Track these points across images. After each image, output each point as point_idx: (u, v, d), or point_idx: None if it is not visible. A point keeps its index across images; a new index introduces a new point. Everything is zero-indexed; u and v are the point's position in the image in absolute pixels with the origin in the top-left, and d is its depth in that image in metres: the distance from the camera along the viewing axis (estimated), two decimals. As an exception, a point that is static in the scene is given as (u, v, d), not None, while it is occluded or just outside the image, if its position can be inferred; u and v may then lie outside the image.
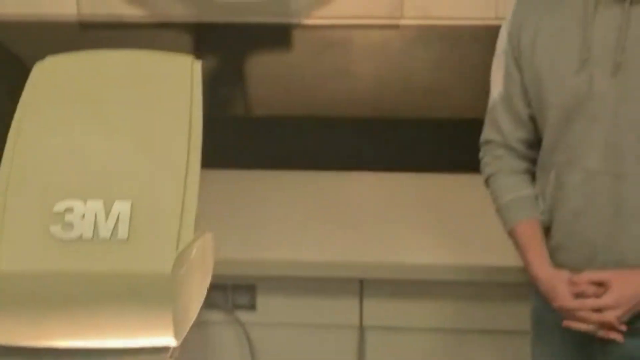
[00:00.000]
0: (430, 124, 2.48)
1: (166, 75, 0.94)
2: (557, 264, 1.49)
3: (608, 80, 1.37)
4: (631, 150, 1.38)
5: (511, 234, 1.56)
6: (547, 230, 1.51)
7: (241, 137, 2.58)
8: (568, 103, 1.42)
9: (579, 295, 1.41)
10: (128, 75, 0.94)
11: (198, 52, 2.54)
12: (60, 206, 0.82)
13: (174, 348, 0.74)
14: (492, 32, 2.39)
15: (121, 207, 0.81)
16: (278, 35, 2.53)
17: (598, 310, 1.38)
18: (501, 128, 1.55)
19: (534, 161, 1.56)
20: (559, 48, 1.43)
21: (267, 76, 2.57)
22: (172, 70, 0.95)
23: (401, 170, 2.45)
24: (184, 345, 0.76)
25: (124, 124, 0.88)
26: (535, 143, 1.54)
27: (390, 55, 2.49)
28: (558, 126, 1.45)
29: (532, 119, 1.53)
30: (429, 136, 2.47)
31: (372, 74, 2.51)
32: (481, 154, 1.63)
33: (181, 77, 0.94)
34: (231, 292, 2.01)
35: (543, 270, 1.48)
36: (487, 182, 1.62)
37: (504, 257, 1.75)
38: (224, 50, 2.58)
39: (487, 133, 1.60)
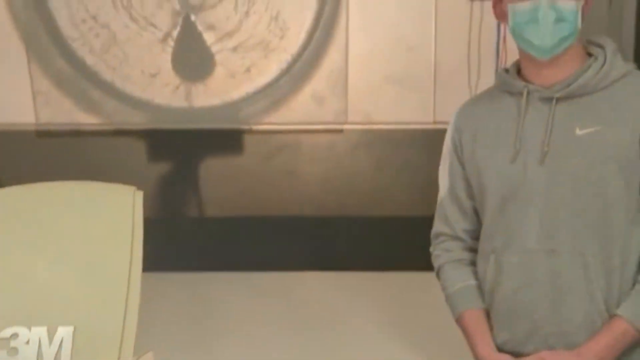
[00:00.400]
0: (374, 222, 2.59)
1: (109, 205, 1.01)
2: (500, 345, 1.58)
3: (538, 167, 1.49)
4: (563, 228, 1.49)
5: (459, 321, 1.66)
6: (488, 314, 1.61)
7: (195, 238, 2.65)
8: (504, 189, 1.52)
9: None
10: (73, 205, 1.00)
11: (152, 157, 2.65)
12: (6, 332, 0.88)
13: None
14: (430, 135, 2.58)
15: (64, 333, 0.88)
16: (230, 140, 2.66)
17: None
18: (449, 220, 1.66)
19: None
20: (497, 143, 1.55)
21: (220, 179, 2.67)
22: (115, 200, 1.02)
23: (351, 269, 2.54)
24: None
25: (68, 252, 0.95)
26: (478, 235, 1.64)
27: (335, 158, 2.62)
28: (496, 212, 1.56)
29: (475, 212, 1.64)
30: (374, 234, 2.58)
31: (319, 176, 2.64)
32: (432, 248, 1.75)
33: (123, 206, 1.01)
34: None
35: (487, 353, 1.57)
36: (437, 272, 1.73)
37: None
38: (177, 154, 2.68)
39: (437, 226, 1.72)
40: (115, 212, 1.01)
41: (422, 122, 2.61)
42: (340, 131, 2.62)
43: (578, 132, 1.48)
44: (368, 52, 2.60)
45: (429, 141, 2.59)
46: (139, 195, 1.05)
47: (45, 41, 2.60)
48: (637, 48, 2.74)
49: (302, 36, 2.60)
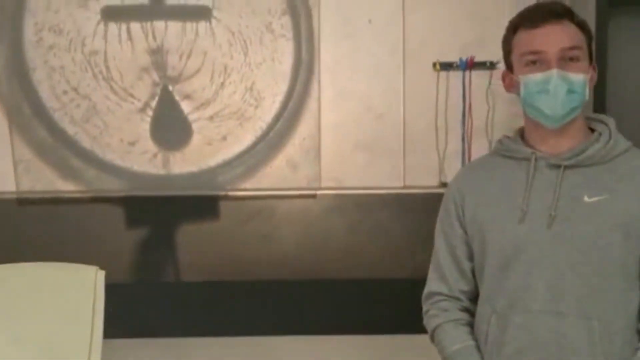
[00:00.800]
0: (348, 285, 2.65)
1: (71, 285, 1.06)
2: None
3: (545, 230, 1.57)
4: (569, 291, 1.56)
5: None
6: None
7: (172, 303, 2.69)
8: (509, 250, 1.60)
9: None
10: (35, 286, 1.05)
11: (131, 223, 2.71)
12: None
13: None
14: (400, 199, 2.68)
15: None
16: (206, 206, 2.72)
17: None
18: (447, 279, 1.73)
19: (473, 315, 1.73)
20: (502, 205, 1.64)
21: (197, 244, 2.72)
22: (77, 280, 1.07)
23: (326, 333, 2.58)
24: None
25: (30, 331, 0.98)
26: (475, 297, 1.72)
27: (309, 222, 2.69)
28: (498, 273, 1.63)
29: (473, 274, 1.71)
30: (348, 297, 2.63)
31: (294, 239, 2.70)
32: (426, 308, 1.79)
33: (85, 286, 1.05)
34: None
35: None
36: (433, 332, 1.76)
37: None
38: (154, 220, 2.74)
39: (432, 286, 1.76)
40: (77, 292, 1.06)
41: (392, 186, 2.69)
42: (314, 196, 2.70)
43: (586, 199, 1.57)
44: (339, 120, 2.70)
45: (399, 205, 2.67)
46: (101, 275, 1.10)
47: (28, 112, 2.68)
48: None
49: (276, 106, 2.70)
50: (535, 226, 1.59)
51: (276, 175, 2.72)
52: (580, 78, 1.58)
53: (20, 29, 2.66)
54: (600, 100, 2.83)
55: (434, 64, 2.67)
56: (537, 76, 1.58)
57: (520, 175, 1.64)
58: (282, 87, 2.70)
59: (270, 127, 2.72)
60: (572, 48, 1.58)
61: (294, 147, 2.72)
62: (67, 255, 2.55)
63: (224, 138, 2.72)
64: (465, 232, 1.71)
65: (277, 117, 2.71)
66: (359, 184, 2.71)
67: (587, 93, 1.60)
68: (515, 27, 1.66)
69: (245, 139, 2.72)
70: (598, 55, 2.81)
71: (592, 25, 2.74)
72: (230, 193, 2.73)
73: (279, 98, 2.71)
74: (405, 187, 2.69)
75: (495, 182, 1.68)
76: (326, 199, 2.70)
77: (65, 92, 2.69)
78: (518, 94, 1.65)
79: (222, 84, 2.70)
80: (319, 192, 2.71)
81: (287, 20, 2.67)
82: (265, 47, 2.69)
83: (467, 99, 2.67)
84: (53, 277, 1.06)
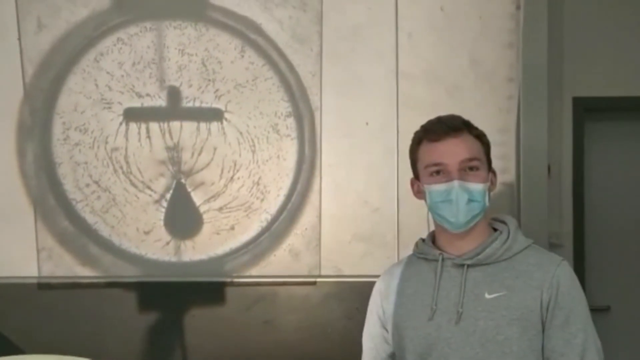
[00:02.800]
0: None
1: None
2: None
3: (452, 327, 1.66)
4: None
5: None
6: None
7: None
8: (421, 347, 1.69)
9: None
10: None
11: (142, 307, 2.88)
12: None
13: None
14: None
15: None
16: (213, 292, 2.87)
17: None
18: None
19: None
20: (414, 305, 1.73)
21: (203, 328, 2.86)
22: None
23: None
24: None
25: None
26: None
27: (309, 308, 2.84)
28: None
29: None
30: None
31: (295, 325, 2.84)
32: None
33: None
34: None
35: None
36: None
37: None
38: (165, 304, 2.89)
39: None
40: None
41: (387, 275, 2.86)
42: (314, 283, 2.86)
43: (487, 295, 1.66)
44: (338, 213, 2.89)
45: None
46: None
47: (52, 203, 2.90)
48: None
49: (280, 199, 2.91)
50: (444, 323, 1.67)
51: (279, 263, 2.89)
52: (480, 187, 1.67)
53: (49, 128, 2.91)
54: (578, 201, 3.00)
55: (426, 162, 2.88)
56: (440, 186, 1.68)
57: (430, 275, 1.73)
58: (287, 182, 2.91)
59: (275, 218, 2.90)
60: (471, 159, 1.68)
61: (296, 237, 2.90)
62: (81, 338, 2.73)
63: (232, 228, 2.91)
64: (386, 330, 1.80)
65: (281, 209, 2.91)
66: (356, 272, 2.86)
67: (487, 200, 1.69)
68: (419, 139, 1.78)
69: (251, 229, 2.91)
70: (575, 157, 3.03)
71: (569, 130, 3.00)
72: (236, 280, 2.88)
73: (283, 192, 2.91)
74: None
75: (410, 283, 1.78)
76: (326, 286, 2.85)
77: (87, 185, 2.91)
78: (425, 200, 1.76)
79: (232, 178, 2.91)
80: (319, 279, 2.86)
81: (291, 121, 2.91)
82: (272, 145, 2.91)
83: (456, 195, 2.85)
84: None
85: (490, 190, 1.74)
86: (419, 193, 1.81)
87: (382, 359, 1.84)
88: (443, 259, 1.73)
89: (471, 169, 1.69)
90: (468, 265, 1.70)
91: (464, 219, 1.69)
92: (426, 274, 1.76)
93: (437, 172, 1.71)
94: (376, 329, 1.84)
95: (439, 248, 1.78)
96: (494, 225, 1.80)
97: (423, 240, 1.86)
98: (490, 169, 1.76)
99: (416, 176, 1.82)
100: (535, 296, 1.65)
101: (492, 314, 1.65)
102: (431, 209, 1.75)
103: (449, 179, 1.68)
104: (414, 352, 1.72)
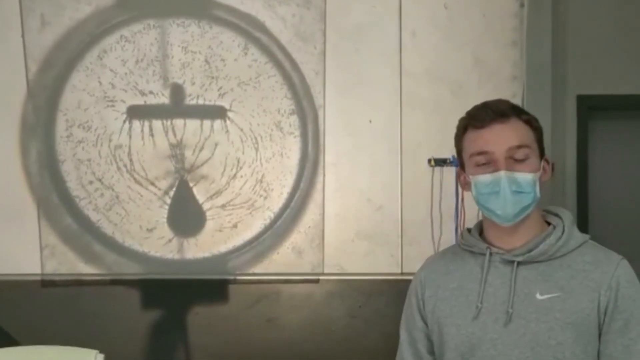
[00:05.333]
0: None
1: None
2: None
3: (499, 327, 1.55)
4: None
5: None
6: None
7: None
8: (464, 347, 1.59)
9: None
10: None
11: (145, 304, 2.88)
12: None
13: None
14: (398, 285, 2.83)
15: None
16: (216, 290, 2.88)
17: None
18: None
19: None
20: (457, 301, 1.62)
21: (206, 325, 2.86)
22: None
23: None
24: None
25: None
26: None
27: (312, 306, 2.85)
28: None
29: None
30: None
31: (297, 323, 2.84)
32: None
33: None
34: None
35: None
36: None
37: None
38: (167, 302, 2.90)
39: None
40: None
41: (390, 273, 2.86)
42: (317, 281, 2.86)
43: (539, 296, 1.54)
44: (342, 211, 2.90)
45: (396, 290, 2.83)
46: (100, 358, 1.25)
47: (56, 201, 2.91)
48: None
49: (283, 197, 2.91)
50: (490, 322, 1.57)
51: (282, 261, 2.89)
52: (529, 178, 1.55)
53: (53, 126, 2.91)
54: (582, 201, 2.99)
55: (429, 160, 2.86)
56: (486, 177, 1.55)
57: (476, 269, 1.63)
58: (290, 180, 2.91)
59: (278, 216, 2.91)
60: (519, 147, 1.55)
61: (299, 235, 2.90)
62: (84, 335, 2.73)
63: (235, 226, 2.91)
64: (426, 325, 1.69)
65: (285, 207, 2.91)
66: (359, 270, 2.87)
67: (538, 190, 1.57)
68: (464, 127, 1.63)
69: (254, 226, 2.91)
70: (579, 155, 3.02)
71: (573, 129, 2.99)
72: (239, 277, 2.89)
73: (287, 190, 2.91)
74: (402, 273, 2.85)
75: (454, 277, 1.67)
76: (329, 284, 2.86)
77: (90, 183, 2.92)
78: (472, 192, 1.63)
79: (234, 175, 2.91)
80: (321, 277, 2.87)
81: (295, 119, 2.91)
82: (275, 143, 2.91)
83: (459, 193, 2.83)
84: (57, 358, 1.20)
85: (543, 179, 1.61)
86: (465, 185, 1.66)
87: (421, 355, 1.72)
88: (491, 254, 1.62)
89: (520, 157, 1.56)
90: (518, 263, 1.59)
91: (513, 211, 1.57)
92: (471, 268, 1.65)
93: (483, 162, 1.57)
94: (415, 322, 1.73)
95: (486, 241, 1.66)
96: (547, 219, 1.67)
97: (469, 230, 1.72)
98: (542, 156, 1.62)
99: (462, 166, 1.67)
100: (592, 299, 1.54)
101: (545, 316, 1.55)
102: (478, 201, 1.62)
103: (495, 168, 1.55)
104: (455, 351, 1.62)
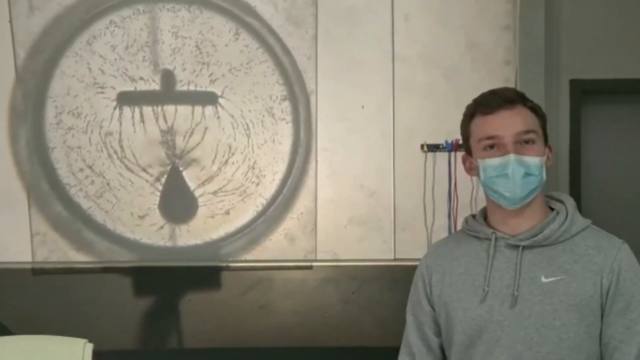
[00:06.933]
0: (343, 353, 2.78)
1: (60, 357, 1.19)
2: None
3: (506, 310, 1.61)
4: None
5: None
6: None
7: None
8: (472, 329, 1.64)
9: None
10: (27, 357, 1.16)
11: (138, 292, 2.87)
12: None
13: None
14: (391, 271, 2.84)
15: None
16: (208, 276, 2.87)
17: None
18: (413, 352, 1.77)
19: None
20: (464, 285, 1.67)
21: (199, 312, 2.85)
22: (66, 352, 1.20)
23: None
24: None
25: None
26: None
27: (306, 292, 2.84)
28: (463, 350, 1.66)
29: (441, 349, 1.75)
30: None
31: (291, 309, 2.83)
32: None
33: (73, 358, 1.18)
34: None
35: None
36: None
37: None
38: (160, 289, 2.88)
39: (401, 358, 1.81)
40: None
41: (383, 259, 2.85)
42: (310, 267, 2.86)
43: (543, 279, 1.60)
44: (335, 197, 2.88)
45: (390, 276, 2.84)
46: (89, 348, 1.25)
47: (46, 188, 2.88)
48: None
49: (276, 183, 2.89)
50: (496, 305, 1.62)
51: (275, 248, 2.88)
52: (537, 161, 1.61)
53: (42, 112, 2.88)
54: (575, 186, 2.99)
55: (422, 146, 2.85)
56: (495, 161, 1.61)
57: (482, 254, 1.67)
58: (282, 166, 2.90)
59: (270, 203, 2.89)
60: (526, 132, 1.62)
61: (292, 222, 2.89)
62: (76, 323, 2.72)
63: (227, 212, 2.90)
64: (433, 309, 1.74)
65: (277, 194, 2.89)
66: (352, 256, 2.86)
67: (544, 174, 1.63)
68: (471, 113, 1.70)
69: (246, 213, 2.89)
70: (572, 140, 3.02)
71: (566, 113, 2.98)
72: (232, 264, 2.87)
73: (279, 176, 2.90)
74: (395, 259, 2.84)
75: (459, 261, 1.71)
76: (322, 271, 2.85)
77: (81, 170, 2.89)
78: (478, 176, 1.69)
79: (226, 162, 2.89)
80: (315, 263, 2.86)
81: (287, 105, 2.89)
82: (267, 129, 2.89)
83: (452, 178, 2.83)
84: (44, 349, 1.18)
85: (546, 164, 1.67)
86: (471, 170, 1.73)
87: (428, 338, 1.77)
88: (496, 239, 1.67)
89: (527, 142, 1.63)
90: (523, 247, 1.64)
91: (521, 193, 1.62)
92: (477, 253, 1.70)
93: (492, 146, 1.64)
94: (422, 307, 1.77)
95: (490, 226, 1.71)
96: (550, 204, 1.72)
97: (473, 216, 1.77)
98: (546, 142, 1.69)
99: (468, 152, 1.73)
100: (595, 282, 1.60)
101: (550, 298, 1.60)
102: (485, 184, 1.67)
103: (504, 152, 1.62)
104: (463, 334, 1.67)
